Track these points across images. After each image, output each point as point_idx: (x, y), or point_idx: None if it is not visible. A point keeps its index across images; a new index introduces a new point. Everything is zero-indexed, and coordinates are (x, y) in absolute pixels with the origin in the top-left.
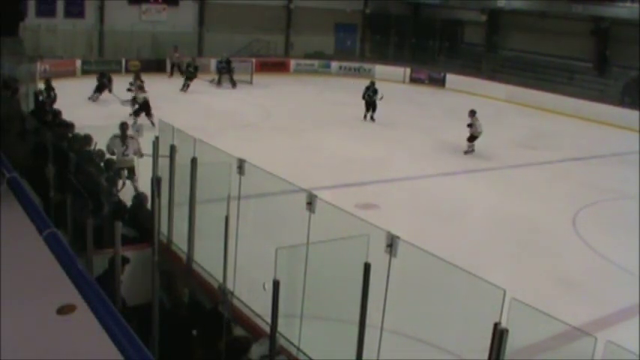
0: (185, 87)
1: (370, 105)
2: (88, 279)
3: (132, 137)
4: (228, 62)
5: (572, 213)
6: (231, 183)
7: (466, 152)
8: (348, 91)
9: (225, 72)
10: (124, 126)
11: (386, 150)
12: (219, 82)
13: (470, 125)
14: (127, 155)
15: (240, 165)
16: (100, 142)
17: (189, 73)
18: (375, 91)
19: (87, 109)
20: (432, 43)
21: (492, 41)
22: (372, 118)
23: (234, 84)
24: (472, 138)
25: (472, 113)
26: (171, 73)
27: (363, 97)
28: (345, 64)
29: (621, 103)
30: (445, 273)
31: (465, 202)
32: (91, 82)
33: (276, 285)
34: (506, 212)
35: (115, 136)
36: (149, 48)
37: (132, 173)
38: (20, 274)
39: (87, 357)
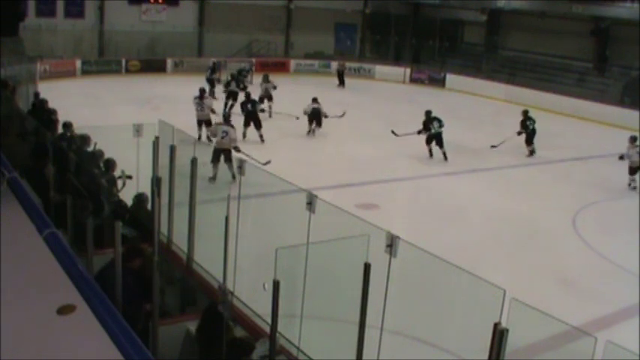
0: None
1: (533, 136)
2: (88, 279)
3: (232, 127)
4: (249, 71)
5: (572, 213)
6: (231, 183)
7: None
8: (348, 91)
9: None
10: (226, 117)
11: (386, 150)
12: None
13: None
14: (224, 139)
15: (241, 165)
16: (100, 143)
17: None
18: (530, 119)
19: (87, 110)
20: (432, 43)
21: (492, 41)
22: (532, 152)
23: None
24: (632, 170)
25: (633, 139)
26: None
27: (526, 130)
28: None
29: (621, 103)
30: (445, 273)
31: (465, 202)
32: (91, 83)
33: (276, 285)
34: (507, 212)
35: (217, 124)
36: (149, 48)
37: (229, 157)
38: (20, 274)
39: (87, 357)
